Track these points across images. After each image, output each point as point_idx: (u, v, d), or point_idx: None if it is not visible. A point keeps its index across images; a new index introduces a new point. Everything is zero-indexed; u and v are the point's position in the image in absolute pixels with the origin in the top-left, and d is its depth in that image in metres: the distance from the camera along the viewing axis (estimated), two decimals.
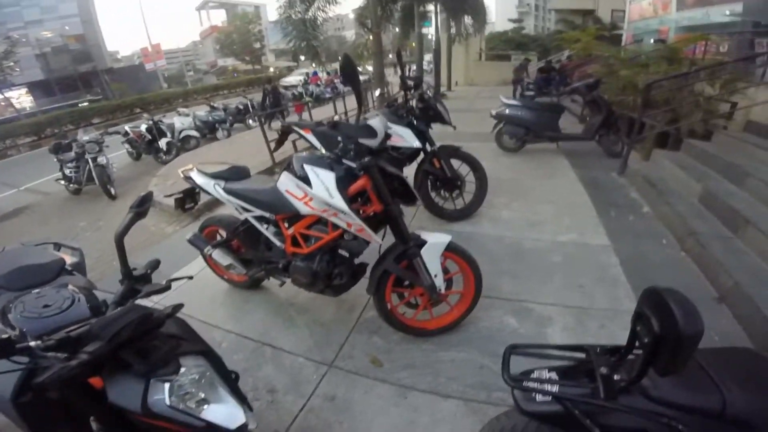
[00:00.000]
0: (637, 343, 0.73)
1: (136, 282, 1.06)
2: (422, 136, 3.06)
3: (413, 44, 12.16)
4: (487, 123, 5.56)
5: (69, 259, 1.61)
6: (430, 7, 11.39)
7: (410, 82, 3.18)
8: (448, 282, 2.01)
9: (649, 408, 0.72)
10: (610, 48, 6.95)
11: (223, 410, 0.88)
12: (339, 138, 1.84)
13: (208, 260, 2.60)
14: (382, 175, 1.79)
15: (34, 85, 33.34)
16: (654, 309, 0.63)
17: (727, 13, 8.81)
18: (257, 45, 39.62)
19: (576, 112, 7.40)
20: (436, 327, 2.04)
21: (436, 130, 3.38)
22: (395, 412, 1.70)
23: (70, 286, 1.17)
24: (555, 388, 0.80)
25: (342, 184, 1.74)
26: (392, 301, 1.99)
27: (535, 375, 0.85)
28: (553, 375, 0.84)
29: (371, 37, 8.30)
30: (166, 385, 0.83)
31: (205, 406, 0.87)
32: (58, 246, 1.74)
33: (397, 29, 12.06)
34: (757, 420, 0.64)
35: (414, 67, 11.85)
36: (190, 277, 1.40)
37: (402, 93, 3.22)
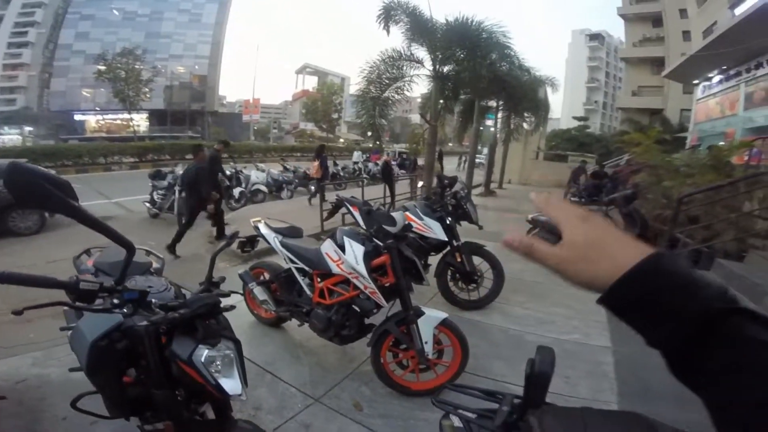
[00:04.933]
0: None
1: (211, 285, 1.49)
2: (450, 230, 3.47)
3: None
4: (526, 227, 5.69)
5: (155, 264, 2.12)
6: (493, 102, 11.86)
7: (446, 181, 3.71)
8: (439, 352, 2.33)
9: None
10: (659, 154, 6.79)
11: (231, 382, 1.25)
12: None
13: (247, 294, 3.11)
14: (400, 256, 2.26)
15: (153, 113, 39.01)
16: (531, 360, 0.83)
17: None
18: (335, 115, 43.35)
19: (621, 226, 7.29)
20: (418, 389, 2.29)
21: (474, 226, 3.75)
22: None
23: (165, 279, 1.66)
24: (465, 414, 0.99)
25: (368, 256, 2.26)
26: (386, 358, 2.31)
27: (461, 411, 1.03)
28: (474, 413, 1.02)
29: (428, 129, 9.01)
30: (206, 351, 1.22)
31: (221, 376, 1.24)
32: (149, 252, 2.27)
33: (460, 120, 12.50)
34: None
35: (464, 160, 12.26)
36: (242, 293, 1.82)
37: (439, 189, 3.71)
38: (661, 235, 4.94)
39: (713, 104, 12.95)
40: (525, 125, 13.18)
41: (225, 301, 1.45)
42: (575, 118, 31.17)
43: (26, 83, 39.94)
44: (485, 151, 15.53)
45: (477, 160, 13.12)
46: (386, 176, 9.26)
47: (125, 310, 1.24)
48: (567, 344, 3.02)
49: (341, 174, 13.08)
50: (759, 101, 10.12)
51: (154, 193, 7.33)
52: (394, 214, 2.33)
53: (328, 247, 2.43)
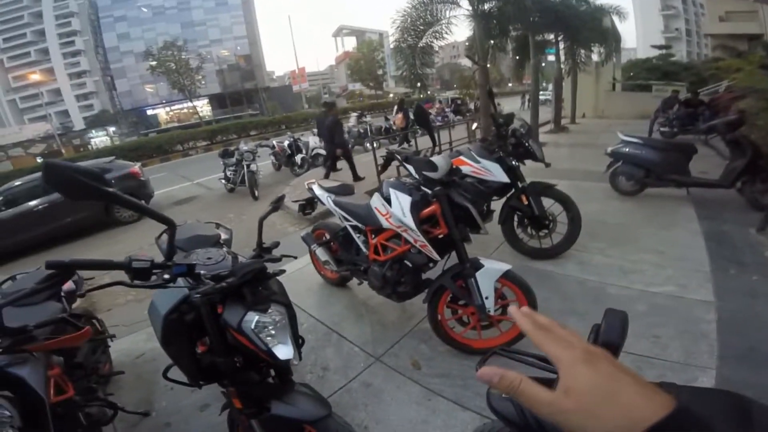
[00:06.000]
0: None
1: (262, 251, 1.53)
2: (512, 171, 3.11)
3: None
4: (606, 161, 5.12)
5: (223, 235, 2.23)
6: (551, 36, 10.77)
7: (501, 120, 3.31)
8: (503, 308, 2.15)
9: None
10: (766, 79, 5.69)
11: (282, 348, 1.27)
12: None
13: (312, 256, 3.22)
14: (451, 204, 2.08)
15: (212, 97, 41.69)
16: (596, 327, 0.70)
17: None
18: (380, 71, 42.20)
19: (726, 155, 6.27)
20: (481, 347, 2.17)
21: (554, 165, 3.39)
22: (415, 410, 1.93)
23: (224, 249, 1.74)
24: None
25: (416, 207, 2.10)
26: (444, 314, 2.21)
27: None
28: None
29: (478, 71, 8.29)
30: (256, 317, 1.25)
31: (273, 341, 1.26)
32: (218, 225, 2.40)
33: (517, 57, 11.66)
34: None
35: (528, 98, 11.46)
36: (295, 257, 1.88)
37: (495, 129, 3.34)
38: None
39: None
40: (594, 57, 11.73)
41: (279, 266, 1.49)
42: (654, 46, 27.69)
43: (95, 88, 44.02)
44: (551, 87, 14.23)
45: (542, 97, 12.06)
46: (421, 122, 8.89)
47: (189, 283, 1.30)
48: (658, 298, 2.63)
49: (393, 128, 12.85)
50: None
51: (227, 170, 7.98)
52: (434, 158, 2.11)
53: (376, 201, 2.32)
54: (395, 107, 12.72)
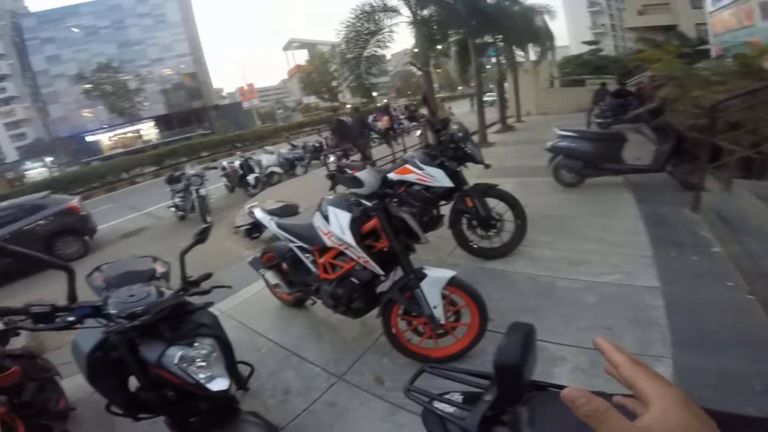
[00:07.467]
0: None
1: (188, 285, 1.49)
2: (455, 175, 3.15)
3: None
4: (546, 156, 5.32)
5: (159, 269, 2.11)
6: (489, 38, 11.04)
7: (438, 125, 3.35)
8: (456, 314, 2.16)
9: None
10: (682, 66, 6.25)
11: (218, 380, 1.25)
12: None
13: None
14: (391, 216, 2.06)
15: (158, 119, 39.45)
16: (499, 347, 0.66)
17: None
18: (334, 83, 41.77)
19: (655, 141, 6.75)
20: (439, 356, 2.15)
21: (498, 164, 3.40)
22: (381, 426, 1.89)
23: (152, 285, 1.64)
24: (443, 406, 0.84)
25: (356, 223, 2.07)
26: (398, 327, 2.19)
27: (447, 396, 0.89)
28: (459, 397, 0.87)
29: (422, 76, 8.58)
30: (179, 352, 1.22)
31: (204, 374, 1.23)
32: (155, 259, 2.26)
33: (461, 61, 12.07)
34: None
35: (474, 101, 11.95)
36: (229, 287, 1.81)
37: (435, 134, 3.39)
38: (700, 144, 4.50)
39: (728, 16, 12.17)
40: (531, 55, 12.44)
41: (209, 297, 1.48)
42: (585, 42, 29.83)
43: (26, 115, 39.95)
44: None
45: (489, 98, 12.48)
46: (344, 136, 8.35)
47: (101, 323, 1.29)
48: (606, 287, 2.71)
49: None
50: None
51: (175, 197, 7.59)
52: (360, 174, 2.09)
53: (317, 221, 2.28)
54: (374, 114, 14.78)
